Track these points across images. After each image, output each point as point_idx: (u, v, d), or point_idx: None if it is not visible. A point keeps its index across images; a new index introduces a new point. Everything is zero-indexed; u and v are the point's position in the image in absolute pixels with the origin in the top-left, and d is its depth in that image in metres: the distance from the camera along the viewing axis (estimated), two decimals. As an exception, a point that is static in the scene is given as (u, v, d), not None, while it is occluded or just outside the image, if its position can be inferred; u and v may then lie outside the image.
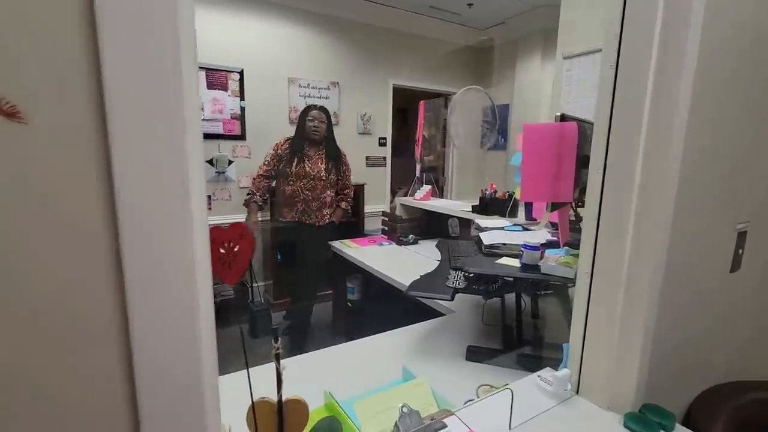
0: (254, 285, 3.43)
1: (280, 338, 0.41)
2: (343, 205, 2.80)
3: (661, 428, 0.80)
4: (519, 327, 1.33)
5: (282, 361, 1.19)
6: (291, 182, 2.57)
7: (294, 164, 2.55)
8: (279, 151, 2.60)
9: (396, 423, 0.75)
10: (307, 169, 2.58)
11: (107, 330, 0.33)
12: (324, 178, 2.62)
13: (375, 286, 2.41)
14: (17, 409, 0.31)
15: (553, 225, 1.52)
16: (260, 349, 2.74)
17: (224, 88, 3.31)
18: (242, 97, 3.40)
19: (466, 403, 0.88)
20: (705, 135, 0.84)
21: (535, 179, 1.05)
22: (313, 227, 2.67)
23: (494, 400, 0.85)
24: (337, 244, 2.73)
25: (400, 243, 2.85)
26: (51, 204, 0.29)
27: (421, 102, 3.32)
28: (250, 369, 0.98)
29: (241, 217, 3.51)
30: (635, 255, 0.79)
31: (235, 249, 0.39)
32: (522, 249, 1.19)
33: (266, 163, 2.61)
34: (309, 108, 2.63)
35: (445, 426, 0.79)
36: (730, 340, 1.14)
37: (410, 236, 2.88)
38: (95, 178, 0.31)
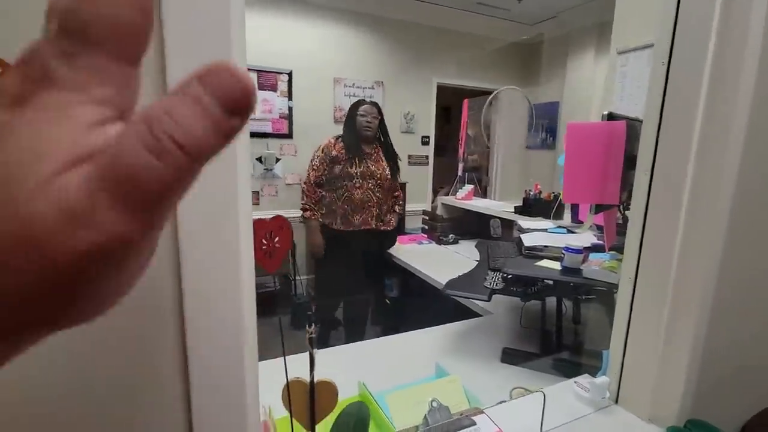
0: (297, 278, 3.57)
1: (314, 325, 0.44)
2: (397, 209, 2.46)
3: (708, 446, 0.75)
4: (559, 332, 1.30)
5: (319, 351, 1.25)
6: (357, 185, 2.21)
7: (356, 164, 2.20)
8: (333, 153, 2.21)
9: (425, 416, 0.77)
10: (372, 168, 2.23)
11: (167, 311, 0.38)
12: (389, 177, 2.30)
13: (413, 284, 2.43)
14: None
15: (600, 228, 1.46)
16: (301, 340, 2.85)
17: (274, 89, 3.46)
18: (290, 98, 3.53)
19: (498, 403, 0.88)
20: None
21: (579, 180, 1.02)
22: (384, 233, 2.37)
23: (526, 403, 0.84)
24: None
25: (440, 242, 2.85)
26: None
27: (465, 100, 3.28)
28: (289, 356, 1.04)
29: (285, 212, 3.67)
30: (683, 262, 0.75)
31: (276, 240, 0.43)
32: (563, 252, 1.16)
33: (315, 168, 2.23)
34: (359, 103, 2.28)
35: (474, 423, 0.79)
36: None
37: (450, 236, 2.86)
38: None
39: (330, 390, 0.46)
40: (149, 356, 0.41)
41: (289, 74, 3.49)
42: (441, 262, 2.39)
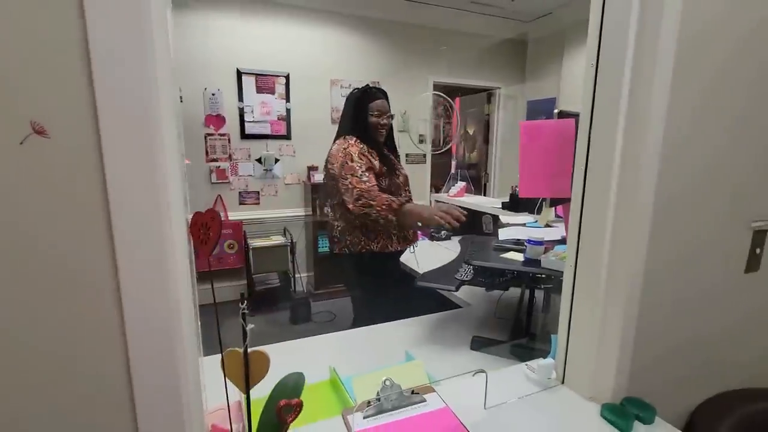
0: (297, 275, 3.67)
1: (246, 301, 0.52)
2: None
3: (638, 420, 0.81)
4: (528, 320, 1.36)
5: (298, 341, 1.32)
6: (400, 193, 1.77)
7: (391, 171, 1.77)
8: (368, 157, 1.67)
9: (377, 392, 0.85)
10: (401, 174, 1.85)
11: (102, 280, 0.47)
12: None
13: (402, 279, 2.50)
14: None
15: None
16: (299, 333, 2.94)
17: (272, 91, 3.56)
18: (288, 100, 3.63)
19: (444, 378, 0.95)
20: (712, 131, 0.83)
21: (533, 176, 1.08)
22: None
23: (475, 382, 0.91)
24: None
25: (432, 238, 2.91)
26: (64, 190, 0.43)
27: (456, 98, 3.33)
28: (285, 342, 1.14)
29: (284, 212, 3.77)
30: (614, 250, 0.81)
31: (209, 229, 0.50)
32: (526, 244, 1.22)
33: (361, 176, 1.60)
34: (368, 95, 1.75)
35: (424, 400, 0.86)
36: (746, 345, 1.08)
37: (442, 232, 2.92)
38: (94, 173, 0.44)
39: (262, 358, 0.54)
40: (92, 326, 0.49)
41: (287, 77, 3.58)
42: (429, 258, 2.45)
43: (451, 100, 4.08)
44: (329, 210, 1.85)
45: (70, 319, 0.47)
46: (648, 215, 0.79)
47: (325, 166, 1.77)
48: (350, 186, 1.57)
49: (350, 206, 1.56)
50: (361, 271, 1.77)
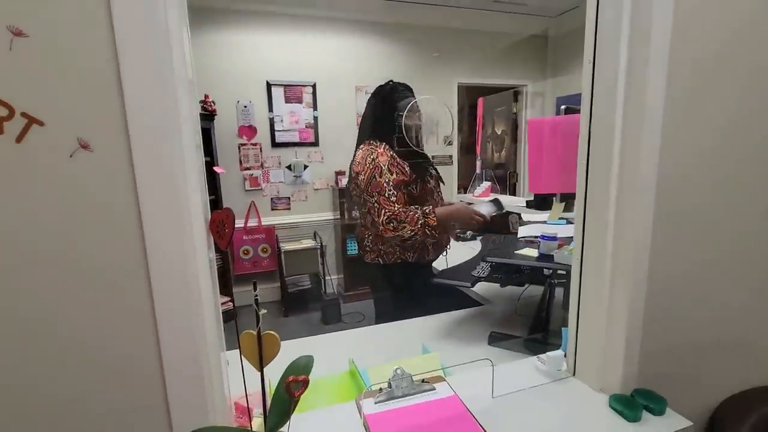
0: (327, 277, 3.78)
1: (257, 285, 0.59)
2: None
3: (648, 411, 0.81)
4: (547, 316, 1.36)
5: (323, 336, 1.40)
6: (430, 199, 1.65)
7: (423, 177, 1.63)
8: (398, 167, 1.53)
9: (389, 380, 0.90)
10: (433, 177, 1.73)
11: (135, 273, 0.55)
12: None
13: (428, 278, 2.53)
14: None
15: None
16: (328, 333, 3.05)
17: (299, 101, 3.71)
18: (315, 108, 3.76)
19: (451, 366, 0.98)
20: (713, 111, 0.83)
21: (542, 172, 1.10)
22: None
23: (485, 373, 0.94)
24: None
25: (457, 239, 2.92)
26: (104, 194, 0.52)
27: (480, 99, 3.32)
28: (313, 337, 1.22)
29: (314, 216, 3.90)
30: (618, 239, 0.82)
31: (225, 226, 0.58)
32: (539, 239, 1.23)
33: (389, 196, 1.49)
34: (394, 91, 1.63)
35: (433, 389, 0.91)
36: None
37: (468, 232, 2.93)
38: (127, 179, 0.52)
39: (273, 340, 0.61)
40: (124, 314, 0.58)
41: (313, 86, 3.72)
42: (453, 258, 2.47)
43: (450, 111, 4.06)
44: (359, 217, 1.72)
45: (108, 309, 0.56)
46: (649, 202, 0.79)
47: (350, 173, 1.64)
48: (377, 206, 1.47)
49: (380, 228, 1.47)
50: (393, 280, 1.68)
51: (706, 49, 0.80)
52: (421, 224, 1.44)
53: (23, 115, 0.49)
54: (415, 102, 1.58)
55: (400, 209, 1.46)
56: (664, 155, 0.78)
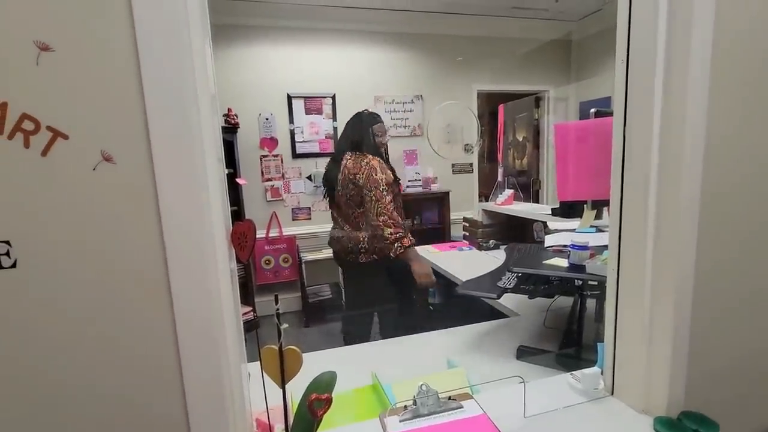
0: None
1: (278, 298, 0.57)
2: None
3: (698, 436, 0.75)
4: (578, 330, 1.29)
5: (345, 348, 1.37)
6: (400, 201, 2.01)
7: (396, 182, 1.99)
8: (385, 171, 1.90)
9: (414, 397, 0.86)
10: (399, 184, 2.06)
11: (157, 290, 0.54)
12: None
13: (454, 289, 2.47)
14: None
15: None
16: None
17: (319, 112, 3.75)
18: (335, 119, 3.79)
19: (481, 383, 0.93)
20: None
21: (571, 179, 1.05)
22: None
23: (515, 390, 0.89)
24: (419, 249, 2.86)
25: (480, 248, 2.86)
26: (126, 205, 0.52)
27: (500, 105, 3.28)
28: (333, 349, 1.20)
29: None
30: (658, 251, 0.77)
31: (246, 237, 0.57)
32: (569, 249, 1.18)
33: (383, 191, 1.84)
34: (370, 117, 2.02)
35: (461, 407, 0.86)
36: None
37: (491, 241, 2.86)
38: (149, 191, 0.52)
39: (295, 356, 0.59)
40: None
41: (333, 97, 3.76)
42: (477, 267, 2.41)
43: (475, 114, 4.01)
44: (347, 225, 1.99)
45: (128, 320, 0.55)
46: (694, 213, 0.74)
47: (345, 179, 1.91)
48: (374, 198, 1.81)
49: (371, 217, 1.80)
50: (392, 273, 1.96)
51: (754, 40, 0.74)
52: (399, 235, 1.80)
53: (48, 128, 0.49)
54: (383, 125, 2.04)
55: (391, 208, 1.82)
56: (709, 158, 0.73)
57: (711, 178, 0.74)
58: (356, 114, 2.07)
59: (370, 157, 1.89)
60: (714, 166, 0.74)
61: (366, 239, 1.91)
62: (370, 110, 2.09)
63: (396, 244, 1.79)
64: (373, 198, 1.80)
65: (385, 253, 1.84)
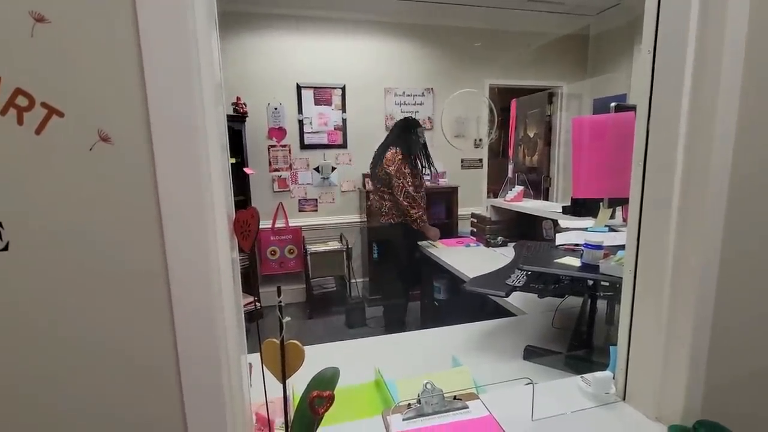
0: (352, 280, 3.75)
1: (281, 290, 0.55)
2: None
3: (714, 447, 0.71)
4: (589, 331, 1.26)
5: (348, 342, 1.36)
6: (421, 190, 2.91)
7: (419, 173, 2.90)
8: (411, 165, 2.80)
9: (418, 396, 0.83)
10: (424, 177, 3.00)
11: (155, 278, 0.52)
12: None
13: (459, 285, 2.44)
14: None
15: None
16: (352, 336, 3.01)
17: (329, 103, 3.71)
18: (344, 110, 3.75)
19: (489, 384, 0.91)
20: None
21: (588, 175, 1.01)
22: None
23: (522, 392, 0.86)
24: (425, 244, 2.83)
25: (488, 245, 2.82)
26: (123, 189, 0.49)
27: (513, 100, 3.21)
28: (336, 343, 1.19)
29: (340, 218, 3.89)
30: (680, 250, 0.73)
31: (249, 225, 0.54)
32: (583, 248, 1.14)
33: (408, 179, 2.75)
34: (417, 123, 2.97)
35: (466, 407, 0.84)
36: None
37: (499, 238, 2.82)
38: (147, 174, 0.49)
39: (297, 350, 0.56)
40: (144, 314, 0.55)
41: (342, 88, 3.72)
42: (483, 264, 2.38)
43: (492, 106, 3.94)
44: (378, 196, 2.95)
45: (124, 307, 0.53)
46: (720, 210, 0.70)
47: (381, 165, 2.83)
48: (401, 185, 2.74)
49: (399, 197, 2.75)
50: (407, 235, 2.86)
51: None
52: (420, 215, 2.79)
53: (43, 105, 0.47)
54: (423, 128, 3.07)
55: (415, 193, 2.76)
56: (738, 155, 0.69)
57: (739, 176, 0.70)
58: (404, 118, 3.04)
59: (401, 157, 2.76)
60: (743, 164, 0.70)
61: (388, 205, 2.87)
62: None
63: (419, 220, 2.79)
64: (400, 183, 2.74)
65: (407, 222, 2.82)
